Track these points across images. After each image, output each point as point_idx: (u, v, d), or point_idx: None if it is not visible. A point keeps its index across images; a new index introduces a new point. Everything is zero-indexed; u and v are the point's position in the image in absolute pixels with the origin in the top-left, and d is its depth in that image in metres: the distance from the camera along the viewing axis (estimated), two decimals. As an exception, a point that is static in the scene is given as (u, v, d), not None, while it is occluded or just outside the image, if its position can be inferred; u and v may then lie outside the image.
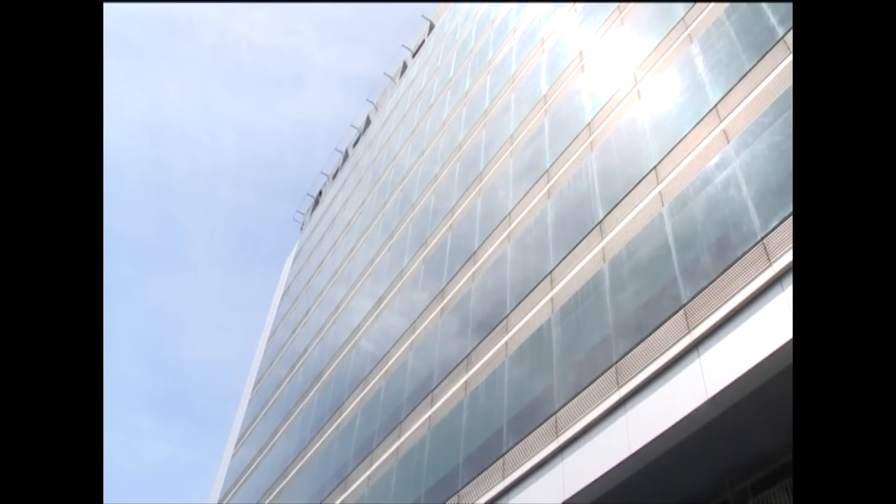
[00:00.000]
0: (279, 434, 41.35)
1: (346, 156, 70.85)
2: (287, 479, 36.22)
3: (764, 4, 17.64)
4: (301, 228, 77.32)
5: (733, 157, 15.77)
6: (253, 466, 44.00)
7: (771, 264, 13.05)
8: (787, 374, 12.09)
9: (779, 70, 15.87)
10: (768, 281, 12.94)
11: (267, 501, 38.01)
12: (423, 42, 62.00)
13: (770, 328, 12.42)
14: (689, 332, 14.32)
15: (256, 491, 40.87)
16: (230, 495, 46.88)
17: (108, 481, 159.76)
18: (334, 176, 71.60)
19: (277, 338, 54.37)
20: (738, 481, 14.75)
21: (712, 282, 14.35)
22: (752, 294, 13.16)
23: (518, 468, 17.93)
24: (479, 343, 22.98)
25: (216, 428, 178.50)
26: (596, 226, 19.61)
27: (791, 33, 16.13)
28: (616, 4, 26.44)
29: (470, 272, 26.18)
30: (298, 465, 35.36)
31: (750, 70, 16.89)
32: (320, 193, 75.19)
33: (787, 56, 15.81)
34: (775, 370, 12.27)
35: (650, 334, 15.49)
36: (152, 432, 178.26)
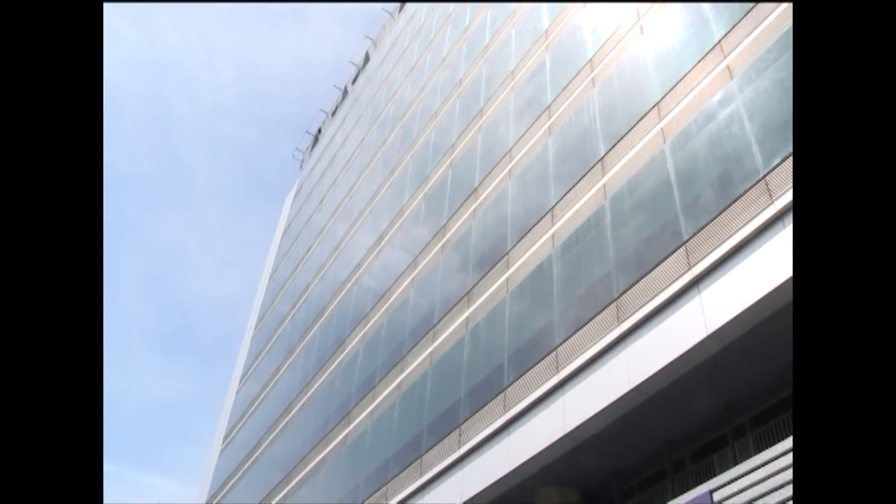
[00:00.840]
0: (282, 370, 41.81)
1: (345, 93, 70.23)
2: (291, 414, 36.74)
3: (770, -63, 17.36)
4: (301, 166, 77.05)
5: (737, 93, 15.69)
6: (258, 402, 44.58)
7: (773, 202, 13.08)
8: (787, 310, 12.19)
9: (784, 5, 15.70)
10: (770, 218, 12.98)
11: (272, 436, 38.60)
12: (423, -25, 61.00)
13: (771, 265, 12.50)
14: (689, 268, 14.42)
15: (262, 425, 41.46)
16: (236, 429, 47.57)
17: (117, 417, 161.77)
18: (333, 113, 71.08)
19: (279, 275, 54.62)
20: (737, 416, 15.00)
21: (714, 219, 14.40)
22: (753, 231, 13.22)
23: (519, 403, 18.19)
24: (480, 279, 23.12)
25: (222, 363, 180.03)
26: (597, 162, 19.58)
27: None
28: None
29: (471, 208, 26.21)
30: (302, 401, 35.83)
31: (755, 5, 16.70)
32: (319, 131, 74.73)
33: (793, -10, 15.63)
34: (776, 307, 12.39)
35: (651, 270, 15.60)
36: (159, 368, 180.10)
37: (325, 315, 37.91)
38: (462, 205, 27.18)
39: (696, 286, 14.17)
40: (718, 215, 14.32)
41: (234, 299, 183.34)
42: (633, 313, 15.59)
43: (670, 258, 15.17)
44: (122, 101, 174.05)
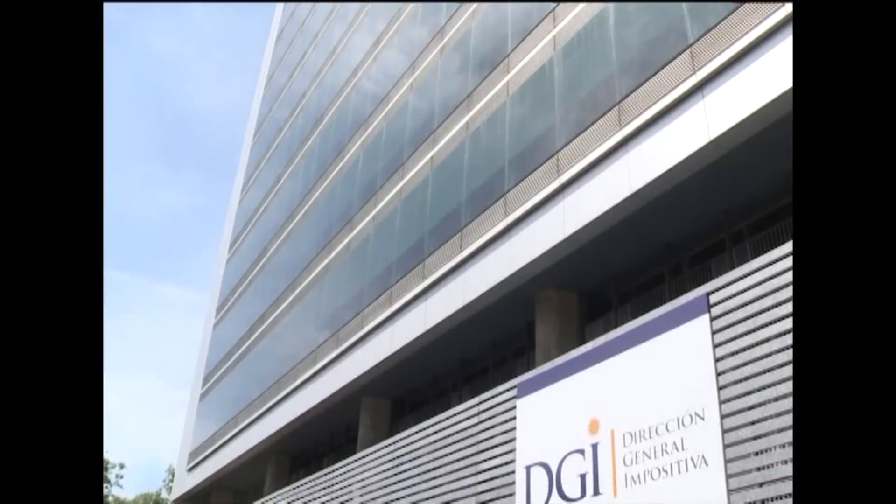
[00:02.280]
0: (283, 178, 41.90)
1: None
2: (294, 221, 37.16)
3: None
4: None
5: None
6: (261, 210, 44.95)
7: (783, 4, 12.57)
8: (791, 118, 11.99)
9: None
10: (780, 21, 12.48)
11: (276, 244, 39.23)
12: None
13: (778, 71, 12.19)
14: (694, 72, 14.09)
15: (266, 233, 42.03)
16: (241, 238, 48.26)
17: (126, 228, 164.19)
18: None
19: (275, 82, 53.55)
20: (736, 222, 15.12)
21: (721, 20, 13.88)
22: (761, 35, 12.75)
23: (520, 207, 18.33)
24: (480, 82, 22.70)
25: (226, 173, 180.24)
26: (602, -41, 18.72)
27: None
28: None
29: (470, 9, 25.32)
30: (304, 208, 36.13)
31: None
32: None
33: None
34: (780, 113, 12.21)
35: (654, 74, 15.26)
36: (164, 180, 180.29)
37: (324, 121, 37.54)
38: (461, 5, 26.25)
39: (700, 91, 13.89)
40: (727, 17, 13.79)
41: (234, 108, 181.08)
42: (635, 117, 15.39)
43: (675, 61, 14.79)
44: None
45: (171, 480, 60.79)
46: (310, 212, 35.33)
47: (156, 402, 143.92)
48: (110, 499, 72.66)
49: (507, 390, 14.39)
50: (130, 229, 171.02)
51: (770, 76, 12.33)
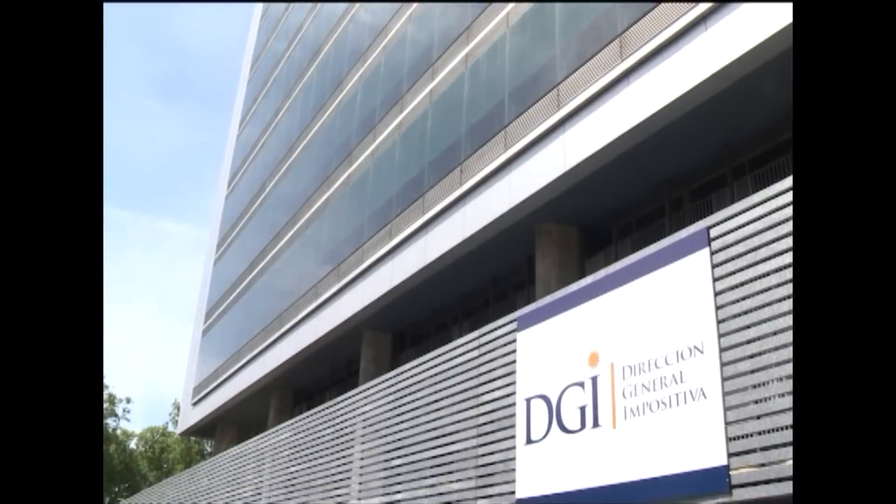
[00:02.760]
0: (281, 112, 41.48)
1: None
2: (293, 156, 36.92)
3: None
4: None
5: None
6: (259, 145, 44.61)
7: (788, -70, 12.29)
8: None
9: None
10: (785, -51, 12.26)
11: (276, 179, 39.05)
12: None
13: (783, 3, 11.97)
14: (697, 3, 13.84)
15: (265, 168, 41.79)
16: (241, 173, 48.00)
17: (126, 165, 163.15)
18: None
19: (272, 13, 52.71)
20: (738, 156, 15.02)
21: (725, -52, 13.60)
22: (766, -37, 12.53)
23: (520, 140, 18.20)
24: (480, 13, 22.34)
25: (225, 108, 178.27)
26: None
27: None
28: None
29: (469, -62, 24.80)
30: (303, 143, 35.86)
31: None
32: None
33: None
34: (784, 47, 12.03)
35: (657, 5, 14.99)
36: (161, 115, 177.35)
37: (322, 54, 37.04)
38: (459, -67, 25.69)
39: (704, 23, 13.66)
40: (730, -56, 13.50)
41: (230, 40, 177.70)
42: (637, 49, 15.18)
43: (678, -9, 14.53)
44: None
45: (178, 414, 61.53)
46: (308, 146, 35.09)
47: (161, 337, 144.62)
48: (118, 432, 73.79)
49: (508, 323, 14.44)
50: (129, 166, 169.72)
51: (774, 8, 12.11)
